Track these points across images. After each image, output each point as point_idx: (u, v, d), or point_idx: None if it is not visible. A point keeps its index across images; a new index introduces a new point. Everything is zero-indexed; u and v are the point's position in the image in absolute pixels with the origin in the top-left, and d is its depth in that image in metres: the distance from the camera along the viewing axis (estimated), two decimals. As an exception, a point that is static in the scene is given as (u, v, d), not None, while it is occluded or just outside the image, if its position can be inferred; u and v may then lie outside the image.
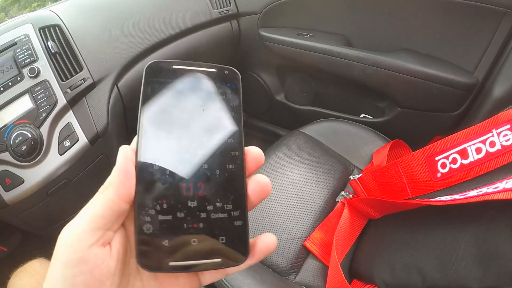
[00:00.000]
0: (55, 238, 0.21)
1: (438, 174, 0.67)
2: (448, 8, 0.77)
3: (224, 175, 0.22)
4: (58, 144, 0.67)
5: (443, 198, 0.58)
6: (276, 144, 0.81)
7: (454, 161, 0.62)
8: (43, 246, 0.97)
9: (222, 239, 0.21)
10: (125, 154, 0.20)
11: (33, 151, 0.65)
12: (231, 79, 0.23)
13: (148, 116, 0.21)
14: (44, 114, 0.66)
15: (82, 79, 0.70)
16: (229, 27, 0.96)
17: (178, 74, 0.22)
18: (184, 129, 0.22)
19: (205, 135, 0.22)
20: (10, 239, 0.95)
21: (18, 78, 0.66)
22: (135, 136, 0.22)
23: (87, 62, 0.72)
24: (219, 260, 0.21)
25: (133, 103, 0.80)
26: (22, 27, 0.72)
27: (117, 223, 0.21)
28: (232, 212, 0.22)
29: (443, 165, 0.66)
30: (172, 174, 0.21)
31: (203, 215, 0.21)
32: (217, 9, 0.91)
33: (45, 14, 0.76)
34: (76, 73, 0.70)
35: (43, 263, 0.70)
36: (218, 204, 0.21)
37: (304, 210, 0.72)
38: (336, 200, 0.75)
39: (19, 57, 0.68)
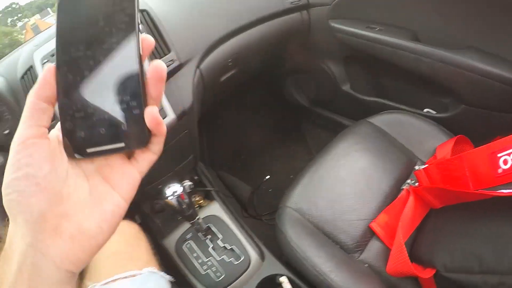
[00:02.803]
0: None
1: (500, 170, 0.72)
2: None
3: (122, 71, 0.26)
4: None
5: (504, 190, 0.65)
6: (345, 132, 0.88)
7: (515, 158, 0.68)
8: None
9: (124, 127, 0.26)
10: (48, 67, 0.26)
11: None
12: None
13: (59, 34, 0.27)
14: None
15: (171, 61, 0.76)
16: (300, 17, 1.02)
17: None
18: (88, 42, 0.26)
19: (105, 43, 0.26)
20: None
21: None
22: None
23: (174, 46, 0.78)
24: (122, 144, 0.27)
25: (211, 84, 0.87)
26: None
27: (42, 119, 0.26)
28: (130, 103, 0.26)
29: (505, 162, 0.72)
30: (82, 78, 0.26)
31: (108, 107, 0.26)
32: (289, -1, 0.97)
33: None
34: (165, 55, 0.76)
35: (130, 225, 0.76)
36: (118, 98, 0.26)
37: (371, 194, 0.79)
38: (402, 187, 0.81)
39: None
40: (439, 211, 0.79)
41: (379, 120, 0.89)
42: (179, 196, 0.70)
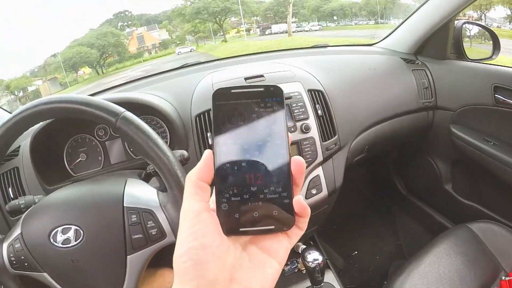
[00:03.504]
0: None
1: None
2: None
3: (275, 167, 0.31)
4: (306, 190, 0.86)
5: None
6: (447, 233, 1.03)
7: None
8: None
9: (275, 212, 0.31)
10: (208, 154, 0.31)
11: None
12: (276, 94, 0.32)
13: (218, 128, 0.31)
14: (306, 165, 0.84)
15: (335, 143, 0.89)
16: (426, 116, 1.16)
17: (236, 95, 0.31)
18: (244, 136, 0.31)
19: (260, 139, 0.31)
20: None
21: (292, 129, 0.83)
22: None
23: (338, 130, 0.90)
24: (272, 227, 0.31)
25: (348, 165, 0.99)
26: (293, 83, 0.89)
27: (205, 195, 0.31)
28: (281, 193, 0.31)
29: None
30: (239, 169, 0.30)
31: (262, 196, 0.30)
32: (422, 99, 1.11)
33: (311, 78, 0.95)
34: (332, 137, 0.89)
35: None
36: (272, 188, 0.30)
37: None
38: (488, 292, 0.96)
39: (295, 111, 0.84)
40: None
41: (476, 227, 1.04)
42: (318, 264, 0.85)
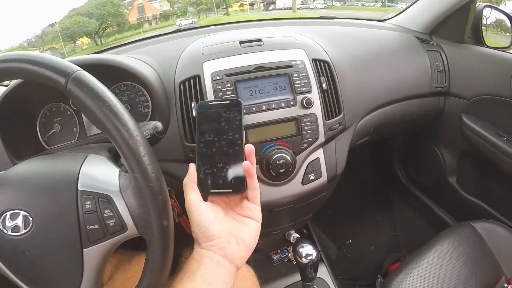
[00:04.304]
0: None
1: None
2: None
3: (234, 152, 0.49)
4: (304, 175, 0.75)
5: None
6: (449, 231, 0.95)
7: None
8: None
9: (232, 181, 0.48)
10: (193, 166, 0.50)
11: (285, 175, 0.72)
12: (237, 105, 0.50)
13: (199, 126, 0.50)
14: (305, 145, 0.73)
15: (339, 123, 0.77)
16: (437, 102, 1.05)
17: (211, 106, 0.51)
18: (216, 132, 0.50)
19: (225, 134, 0.49)
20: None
21: (291, 103, 0.72)
22: None
23: (344, 108, 0.78)
24: (231, 190, 0.48)
25: (350, 149, 0.87)
26: (296, 51, 0.77)
27: (198, 193, 0.48)
28: (237, 169, 0.48)
29: None
30: (211, 153, 0.49)
31: (225, 170, 0.48)
32: (435, 83, 1.00)
33: (316, 47, 0.83)
34: (336, 116, 0.77)
35: (250, 270, 0.84)
36: (231, 165, 0.48)
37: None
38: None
39: (296, 82, 0.73)
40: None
41: (480, 226, 0.95)
42: (312, 259, 0.76)
